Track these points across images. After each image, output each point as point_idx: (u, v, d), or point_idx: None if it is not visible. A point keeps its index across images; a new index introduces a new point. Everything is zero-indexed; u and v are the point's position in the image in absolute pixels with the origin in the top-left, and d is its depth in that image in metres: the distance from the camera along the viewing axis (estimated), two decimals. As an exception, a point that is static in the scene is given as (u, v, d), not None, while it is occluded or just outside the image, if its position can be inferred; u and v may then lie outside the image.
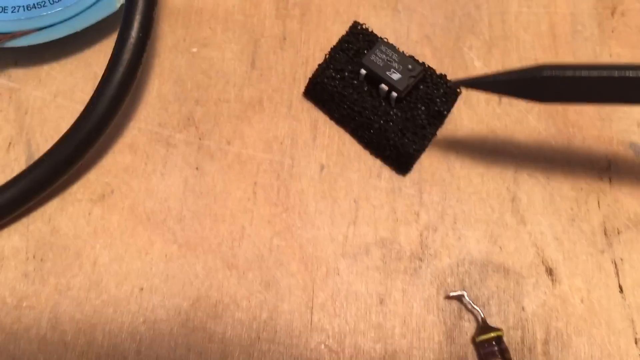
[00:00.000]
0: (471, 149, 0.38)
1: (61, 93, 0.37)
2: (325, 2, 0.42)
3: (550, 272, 0.35)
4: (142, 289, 0.33)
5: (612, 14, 0.43)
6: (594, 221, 0.37)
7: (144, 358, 0.32)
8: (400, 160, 0.36)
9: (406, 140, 0.35)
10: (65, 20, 0.37)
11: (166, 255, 0.34)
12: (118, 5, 0.37)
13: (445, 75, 0.37)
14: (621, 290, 0.35)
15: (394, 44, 0.37)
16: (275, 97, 0.38)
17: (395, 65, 0.35)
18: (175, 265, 0.34)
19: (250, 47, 0.40)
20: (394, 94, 0.35)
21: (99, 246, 0.34)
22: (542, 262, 0.35)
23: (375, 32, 0.40)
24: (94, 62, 0.38)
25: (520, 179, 0.37)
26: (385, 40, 0.37)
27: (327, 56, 0.37)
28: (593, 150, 0.39)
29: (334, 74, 0.36)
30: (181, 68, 0.39)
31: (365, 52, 0.37)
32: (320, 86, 0.36)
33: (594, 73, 0.31)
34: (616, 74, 0.31)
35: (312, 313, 0.33)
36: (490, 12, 0.42)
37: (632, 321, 0.34)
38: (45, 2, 0.37)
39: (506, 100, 0.39)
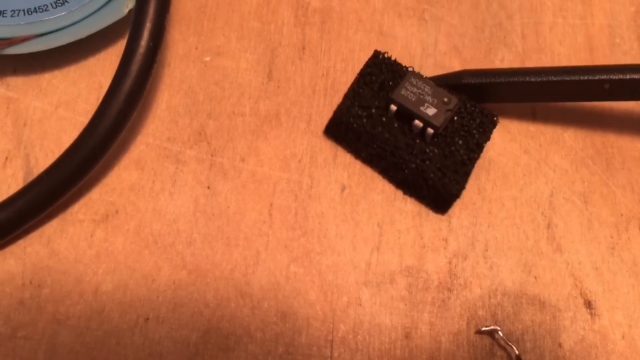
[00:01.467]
0: (503, 169, 0.35)
1: (63, 104, 0.34)
2: (348, 9, 0.39)
3: (589, 305, 0.33)
4: (147, 319, 0.30)
5: (652, 26, 0.40)
6: (636, 250, 0.34)
7: (149, 396, 0.29)
8: (440, 200, 0.33)
9: (447, 180, 0.32)
10: (69, 26, 0.34)
11: (174, 282, 0.31)
12: (126, 10, 0.34)
13: (478, 104, 0.34)
14: (666, 327, 0.32)
15: (421, 73, 0.34)
16: (294, 111, 0.36)
17: (429, 98, 0.32)
18: (184, 293, 0.31)
19: (266, 56, 0.37)
20: (430, 130, 0.32)
21: (102, 271, 0.31)
22: (581, 294, 0.33)
23: (400, 43, 0.38)
24: (98, 71, 0.35)
25: (556, 203, 0.35)
26: (412, 69, 0.34)
27: (349, 91, 0.34)
28: (633, 172, 0.36)
29: (360, 112, 0.33)
30: (193, 78, 0.36)
31: (390, 83, 0.34)
32: (345, 126, 0.33)
33: (509, 79, 0.34)
34: (528, 79, 0.34)
35: (332, 347, 0.31)
36: (523, 23, 0.40)
37: (679, 361, 0.32)
38: (47, 6, 0.34)
39: (541, 117, 0.37)
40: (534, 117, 0.37)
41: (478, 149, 0.33)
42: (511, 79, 0.34)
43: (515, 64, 0.38)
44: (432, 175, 0.32)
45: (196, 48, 0.37)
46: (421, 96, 0.32)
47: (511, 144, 0.36)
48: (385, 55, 0.35)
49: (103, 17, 0.35)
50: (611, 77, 0.32)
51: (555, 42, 0.39)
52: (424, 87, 0.32)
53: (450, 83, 0.34)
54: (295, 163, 0.35)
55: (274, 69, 0.37)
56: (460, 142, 0.33)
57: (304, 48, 0.38)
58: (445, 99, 0.32)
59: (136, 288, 0.31)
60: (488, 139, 0.33)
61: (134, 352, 0.30)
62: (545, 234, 0.34)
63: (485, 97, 0.34)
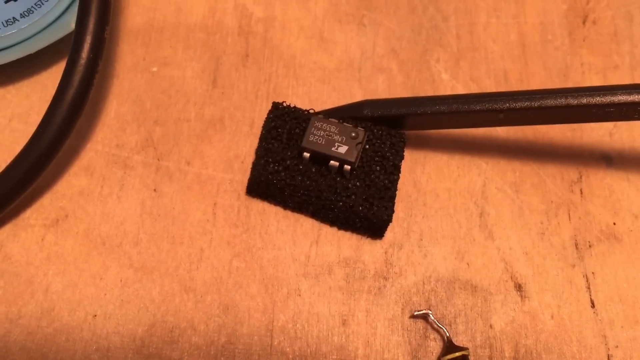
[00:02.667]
0: (438, 163, 0.37)
1: (16, 116, 0.36)
2: (289, 18, 0.41)
3: (519, 288, 0.34)
4: (95, 315, 0.32)
5: (584, 22, 0.42)
6: (565, 235, 0.36)
7: (96, 387, 0.31)
8: (375, 228, 0.34)
9: (375, 209, 0.34)
10: (20, 42, 0.36)
11: (121, 280, 0.33)
12: (74, 26, 0.36)
13: (385, 128, 0.36)
14: (593, 305, 0.34)
15: (328, 117, 0.35)
16: (237, 115, 0.38)
17: (338, 137, 0.33)
18: (130, 291, 0.33)
19: (211, 65, 0.39)
20: (347, 166, 0.33)
21: (52, 272, 0.33)
22: (511, 277, 0.34)
23: (340, 48, 0.40)
24: (50, 84, 0.37)
25: (488, 193, 0.36)
26: (313, 111, 0.35)
27: (259, 149, 0.35)
28: (564, 162, 0.38)
29: (276, 167, 0.34)
30: (140, 88, 0.38)
31: (297, 130, 0.35)
32: (265, 183, 0.34)
33: (405, 110, 0.35)
34: (419, 110, 0.35)
35: (272, 336, 0.32)
36: (458, 24, 0.41)
37: (605, 337, 0.33)
38: (-2, 25, 0.36)
39: (474, 112, 0.38)
40: (468, 112, 0.39)
41: (396, 170, 0.34)
42: (407, 111, 0.35)
43: (450, 63, 0.40)
44: (360, 208, 0.33)
45: (144, 59, 0.39)
46: (329, 137, 0.33)
47: (445, 138, 0.38)
48: (284, 104, 0.36)
49: (52, 33, 0.37)
50: (505, 106, 0.33)
51: (489, 41, 0.41)
52: (330, 127, 0.34)
53: (352, 115, 0.35)
54: (239, 164, 0.36)
55: (219, 76, 0.39)
56: (378, 168, 0.34)
57: (247, 56, 0.39)
58: (353, 134, 0.34)
59: (85, 287, 0.33)
60: (402, 157, 0.35)
61: (82, 347, 0.32)
62: (477, 222, 0.36)
63: (389, 125, 0.35)
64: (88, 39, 0.33)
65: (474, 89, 0.39)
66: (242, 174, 0.36)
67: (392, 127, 0.35)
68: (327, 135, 0.33)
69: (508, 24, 0.42)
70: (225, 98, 0.38)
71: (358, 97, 0.39)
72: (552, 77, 0.40)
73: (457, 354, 0.32)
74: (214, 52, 0.39)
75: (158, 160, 0.36)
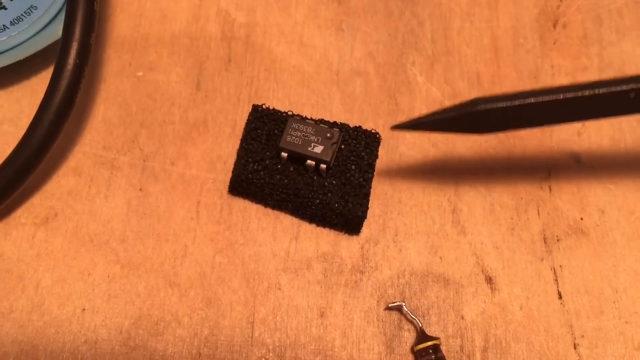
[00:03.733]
0: (413, 162, 0.39)
1: (7, 120, 0.38)
2: (271, 23, 0.42)
3: (489, 280, 0.36)
4: (84, 309, 0.34)
5: (554, 26, 0.44)
6: (534, 229, 0.37)
7: (85, 377, 0.32)
8: (351, 224, 0.36)
9: (350, 206, 0.35)
10: (10, 49, 0.38)
11: (108, 275, 0.35)
12: (61, 33, 0.37)
13: (359, 127, 0.37)
14: (560, 297, 0.36)
15: (305, 118, 0.36)
16: (220, 117, 0.39)
17: (314, 137, 0.35)
18: (117, 286, 0.34)
19: (195, 69, 0.41)
20: (323, 165, 0.35)
21: (42, 269, 0.34)
22: (482, 271, 0.36)
23: (319, 52, 0.41)
24: (40, 89, 0.39)
25: (461, 190, 0.38)
26: (291, 113, 0.37)
27: (240, 150, 0.37)
28: (533, 160, 0.39)
29: (255, 166, 0.36)
30: (127, 92, 0.39)
31: (276, 131, 0.36)
32: (245, 182, 0.36)
33: (526, 100, 0.32)
34: (546, 98, 0.32)
35: (253, 328, 0.34)
36: (433, 29, 0.43)
37: (571, 326, 0.35)
38: (-11, 33, 0.38)
39: (448, 113, 0.40)
40: (442, 113, 0.40)
41: (370, 168, 0.36)
42: (534, 100, 0.33)
43: (425, 66, 0.42)
44: (336, 205, 0.35)
45: (130, 64, 0.40)
46: (306, 137, 0.35)
47: (420, 138, 0.39)
48: (264, 107, 0.37)
49: (41, 40, 0.38)
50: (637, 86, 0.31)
51: (462, 45, 0.43)
52: (306, 128, 0.35)
53: (463, 113, 0.33)
54: (221, 164, 0.38)
55: (202, 80, 0.40)
56: (353, 167, 0.36)
57: (230, 60, 0.41)
58: (328, 134, 0.35)
59: (73, 282, 0.34)
60: (377, 157, 0.36)
61: (71, 339, 0.33)
62: (450, 219, 0.37)
63: (501, 124, 0.34)
64: (74, 46, 0.35)
65: (447, 91, 0.41)
66: (225, 174, 0.38)
67: (504, 127, 0.34)
68: (303, 135, 0.35)
69: (481, 29, 0.43)
70: (209, 101, 0.40)
71: (336, 99, 0.40)
72: (523, 79, 0.42)
73: (429, 343, 0.33)
74: (197, 57, 0.41)
75: (144, 161, 0.37)
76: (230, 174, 0.37)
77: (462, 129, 0.34)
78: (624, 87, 0.31)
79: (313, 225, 0.37)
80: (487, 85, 0.41)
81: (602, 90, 0.31)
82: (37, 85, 0.39)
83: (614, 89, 0.31)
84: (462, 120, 0.33)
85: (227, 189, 0.37)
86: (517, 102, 0.32)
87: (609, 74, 0.42)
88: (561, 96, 0.32)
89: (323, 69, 0.41)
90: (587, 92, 0.32)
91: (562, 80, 0.42)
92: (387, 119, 0.40)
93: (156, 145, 0.38)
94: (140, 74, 0.40)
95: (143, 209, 0.36)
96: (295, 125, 0.35)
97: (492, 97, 0.33)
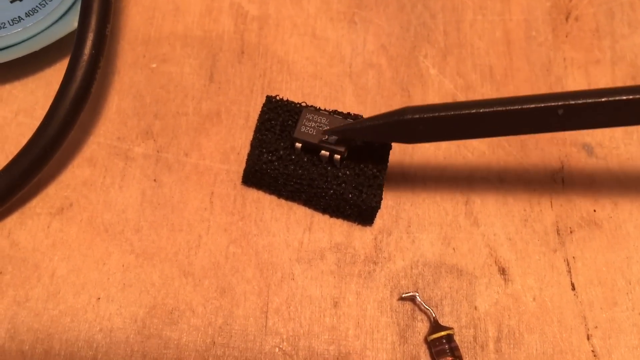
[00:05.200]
0: (426, 154, 0.39)
1: (22, 111, 0.38)
2: (283, 16, 0.43)
3: (503, 271, 0.36)
4: (99, 298, 0.34)
5: (567, 19, 0.44)
6: (547, 221, 0.37)
7: (100, 365, 0.33)
8: (364, 215, 0.36)
9: (364, 196, 0.35)
10: (25, 40, 0.38)
11: (123, 265, 0.35)
12: (76, 24, 0.38)
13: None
14: (573, 288, 0.36)
15: (319, 108, 0.36)
16: (233, 109, 0.39)
17: (328, 128, 0.35)
18: (132, 275, 0.35)
19: (208, 61, 0.41)
20: (337, 156, 0.35)
21: (57, 258, 0.35)
22: (495, 262, 0.36)
23: (332, 44, 0.41)
24: (54, 80, 0.39)
25: (474, 182, 0.38)
26: (305, 104, 0.37)
27: (254, 140, 0.37)
28: (546, 152, 0.39)
29: (269, 157, 0.36)
30: (140, 83, 0.40)
31: (290, 122, 0.36)
32: (259, 173, 0.36)
33: (454, 112, 0.32)
34: (474, 111, 0.32)
35: (266, 317, 0.34)
36: (445, 21, 0.43)
37: (584, 317, 0.35)
38: (4, 24, 0.38)
39: (461, 105, 0.40)
40: (454, 105, 0.40)
41: (384, 159, 0.36)
42: (457, 112, 0.32)
43: (438, 59, 0.42)
44: (350, 195, 0.35)
45: (144, 56, 0.41)
46: (320, 128, 0.35)
47: (433, 130, 0.39)
48: (278, 98, 0.37)
49: (56, 31, 0.38)
50: (564, 102, 0.31)
51: (475, 38, 0.43)
52: (320, 119, 0.35)
53: (391, 121, 0.33)
54: (235, 155, 0.38)
55: (215, 72, 0.40)
56: (367, 158, 0.36)
57: (242, 52, 0.41)
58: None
59: (88, 272, 0.35)
60: (390, 147, 0.36)
61: (86, 328, 0.33)
62: (463, 210, 0.37)
63: (429, 135, 0.34)
64: (90, 37, 0.35)
65: (460, 83, 0.41)
66: (238, 165, 0.38)
67: (434, 138, 0.34)
68: (317, 126, 0.35)
69: (494, 21, 0.43)
70: (222, 93, 0.40)
71: (349, 91, 0.40)
72: (536, 72, 0.42)
73: (443, 333, 0.33)
74: (210, 49, 0.41)
75: (158, 152, 0.38)
76: (243, 165, 0.38)
77: (391, 138, 0.34)
78: (551, 104, 0.31)
79: (326, 216, 0.37)
80: (500, 78, 0.41)
81: (528, 106, 0.31)
82: (51, 77, 0.39)
83: (541, 104, 0.31)
84: (390, 129, 0.33)
85: (240, 180, 0.37)
86: (443, 114, 0.32)
87: (621, 67, 0.42)
88: (487, 109, 0.32)
89: (336, 62, 0.41)
90: (515, 107, 0.31)
91: (575, 72, 0.42)
92: (400, 111, 0.40)
93: (170, 137, 0.38)
94: (154, 65, 0.40)
95: (157, 199, 0.36)
96: (309, 116, 0.35)
97: (421, 107, 0.33)
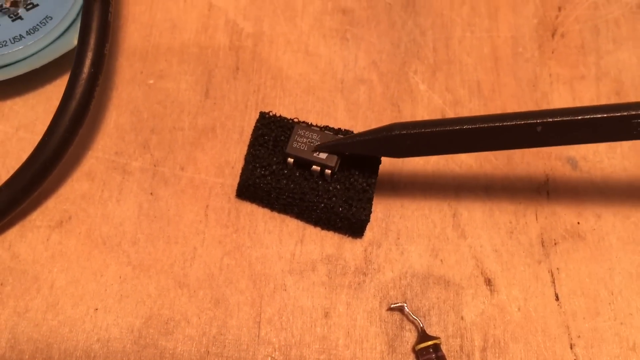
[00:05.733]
0: (414, 168, 0.40)
1: (23, 126, 0.39)
2: (277, 33, 0.44)
3: (488, 282, 0.37)
4: (96, 309, 0.35)
5: (553, 35, 0.45)
6: (532, 233, 0.38)
7: (98, 374, 0.34)
8: (354, 227, 0.37)
9: (354, 210, 0.36)
10: (26, 58, 0.39)
11: (120, 276, 0.36)
12: (75, 42, 0.39)
13: None
14: (557, 298, 0.37)
15: (311, 124, 0.38)
16: (228, 124, 0.41)
17: (319, 144, 0.36)
18: (128, 286, 0.36)
19: (204, 77, 0.42)
20: (328, 170, 0.36)
21: (56, 270, 0.36)
22: (481, 273, 0.37)
23: (324, 60, 0.42)
24: (54, 96, 0.40)
25: (461, 194, 0.39)
26: (297, 120, 0.38)
27: (248, 155, 0.38)
28: (531, 165, 0.41)
29: (262, 172, 0.37)
30: (138, 99, 0.41)
31: (282, 138, 0.38)
32: (253, 187, 0.37)
33: (439, 128, 0.33)
34: (457, 127, 0.33)
35: (259, 327, 0.35)
36: (435, 38, 0.44)
37: (568, 327, 0.36)
38: (6, 42, 0.39)
39: (449, 120, 0.41)
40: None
41: (373, 173, 0.37)
42: (442, 128, 0.34)
43: (427, 74, 0.43)
44: (340, 209, 0.36)
45: (141, 72, 0.42)
46: (311, 143, 0.36)
47: (422, 145, 0.41)
48: (271, 114, 0.39)
49: (56, 49, 0.40)
50: (543, 119, 0.32)
51: (463, 54, 0.44)
52: (312, 135, 0.36)
53: (380, 137, 0.35)
54: (229, 169, 0.39)
55: (211, 88, 0.42)
56: (357, 172, 0.37)
57: (237, 68, 0.42)
58: None
59: (87, 283, 0.36)
60: (379, 162, 0.37)
61: (84, 338, 0.35)
62: (451, 222, 0.39)
63: (416, 149, 0.36)
64: (89, 55, 0.36)
65: (449, 98, 0.42)
66: (233, 179, 0.39)
67: (421, 153, 0.36)
68: (309, 142, 0.36)
69: (482, 38, 0.45)
70: (217, 108, 0.41)
71: (341, 107, 0.42)
72: (522, 88, 0.43)
73: (430, 343, 0.34)
74: (206, 66, 0.42)
75: (154, 166, 0.39)
76: (238, 179, 0.39)
77: (380, 152, 0.36)
78: (530, 121, 0.33)
79: (318, 229, 0.38)
80: (488, 93, 0.43)
81: (509, 123, 0.33)
82: (51, 93, 0.41)
83: (520, 121, 0.33)
84: (378, 144, 0.35)
85: (234, 193, 0.38)
86: (429, 130, 0.34)
87: (605, 82, 0.44)
88: (470, 126, 0.33)
89: (328, 77, 0.43)
90: (496, 124, 0.33)
91: (560, 88, 0.43)
92: (390, 125, 0.41)
93: (166, 151, 0.39)
94: (151, 82, 0.42)
95: (154, 212, 0.38)
96: (301, 132, 0.37)
97: (408, 124, 0.34)
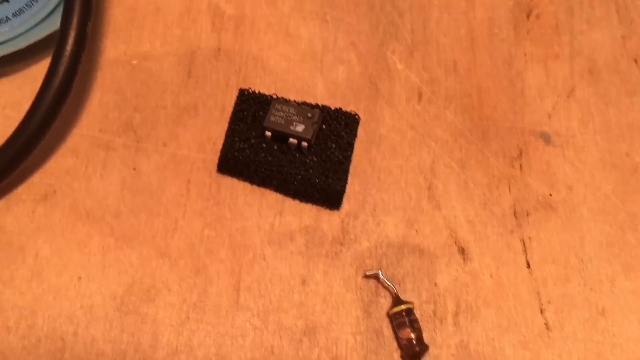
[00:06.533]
0: (392, 143, 0.41)
1: (9, 105, 0.40)
2: (259, 15, 0.45)
3: (462, 251, 0.38)
4: (80, 277, 0.36)
5: (528, 16, 0.46)
6: (505, 205, 0.40)
7: (81, 339, 0.35)
8: (331, 199, 0.38)
9: (330, 181, 0.38)
10: (12, 39, 0.40)
11: (103, 247, 0.37)
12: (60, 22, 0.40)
13: (340, 108, 0.40)
14: (528, 266, 0.38)
15: (288, 100, 0.39)
16: (209, 102, 0.42)
17: (296, 117, 0.37)
18: (111, 256, 0.37)
19: (187, 58, 0.43)
20: (305, 143, 0.37)
21: (41, 241, 0.37)
22: (455, 242, 0.38)
23: (304, 41, 0.44)
24: (39, 76, 0.41)
25: (437, 168, 0.40)
26: (276, 96, 0.39)
27: (228, 130, 0.39)
28: (505, 140, 0.42)
29: (242, 145, 0.38)
30: (122, 79, 0.42)
31: (261, 113, 0.39)
32: (232, 160, 0.38)
33: None
34: None
35: (238, 295, 0.36)
36: (412, 20, 0.46)
37: (538, 293, 0.37)
38: (-7, 24, 0.40)
39: (426, 97, 0.43)
40: (420, 98, 0.43)
41: (350, 146, 0.39)
42: None
43: (405, 54, 0.44)
44: (317, 180, 0.38)
45: (125, 54, 0.43)
46: (288, 117, 0.38)
47: (399, 121, 0.42)
48: (250, 90, 0.40)
49: (41, 30, 0.41)
50: None
51: (440, 35, 0.45)
52: (289, 109, 0.38)
53: None
54: (211, 145, 0.40)
55: (193, 68, 0.43)
56: (333, 145, 0.38)
57: (219, 50, 0.44)
58: (309, 114, 0.38)
59: (70, 253, 0.37)
60: (355, 136, 0.39)
61: (68, 305, 0.36)
62: (426, 195, 0.40)
63: None
64: (72, 34, 0.37)
65: (425, 77, 0.44)
66: (214, 154, 0.40)
67: None
68: (286, 115, 0.37)
69: (458, 19, 0.46)
70: (199, 87, 0.42)
71: (320, 85, 0.43)
72: (497, 66, 0.44)
73: (403, 307, 0.35)
74: (189, 47, 0.44)
75: (137, 142, 0.40)
76: (219, 154, 0.40)
77: None
78: None
79: (296, 202, 0.39)
80: (463, 72, 0.44)
81: None
82: (37, 74, 0.42)
83: None
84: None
85: (215, 168, 0.40)
86: None
87: (579, 61, 0.45)
88: None
89: (308, 58, 0.44)
90: None
91: (535, 67, 0.44)
92: (368, 103, 0.43)
93: (149, 128, 0.41)
94: (134, 62, 0.43)
95: (136, 186, 0.39)
96: (278, 106, 0.38)
97: None
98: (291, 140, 0.37)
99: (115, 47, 0.43)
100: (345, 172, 0.37)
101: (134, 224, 0.38)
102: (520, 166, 0.41)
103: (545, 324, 0.36)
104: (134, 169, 0.39)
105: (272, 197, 0.39)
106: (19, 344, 0.35)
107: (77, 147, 0.40)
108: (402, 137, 0.41)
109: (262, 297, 0.36)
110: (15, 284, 0.36)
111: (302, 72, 0.43)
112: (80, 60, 0.37)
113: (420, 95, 0.43)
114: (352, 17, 0.45)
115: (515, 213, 0.39)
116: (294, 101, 0.39)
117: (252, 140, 0.38)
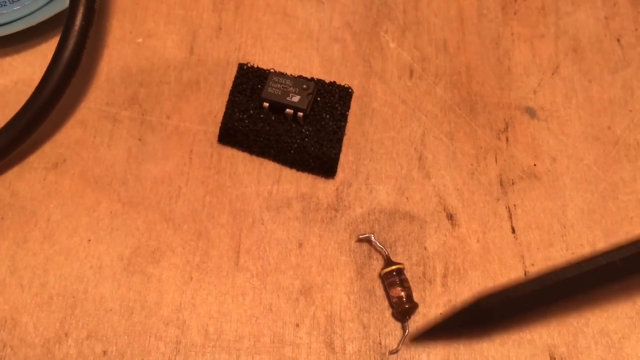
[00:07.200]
0: (384, 116, 0.43)
1: (21, 80, 0.43)
2: (257, -3, 0.47)
3: (450, 217, 0.40)
4: (89, 240, 0.38)
5: (516, -1, 0.48)
6: (491, 174, 0.42)
7: (90, 296, 0.37)
8: (326, 166, 0.40)
9: (325, 149, 0.40)
10: (23, 17, 0.43)
11: (111, 212, 0.39)
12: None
13: (334, 82, 0.42)
14: (513, 231, 0.40)
15: (285, 73, 0.41)
16: (211, 78, 0.44)
17: (292, 89, 0.40)
18: (119, 220, 0.39)
19: (189, 37, 0.45)
20: (300, 113, 0.40)
21: (52, 206, 0.39)
22: (444, 209, 0.41)
23: (301, 21, 0.46)
24: (50, 53, 0.43)
25: (427, 140, 0.43)
26: (273, 70, 0.41)
27: (228, 102, 0.41)
28: (492, 114, 0.44)
29: (241, 116, 0.40)
30: (127, 56, 0.44)
31: (259, 86, 0.41)
32: (232, 130, 0.41)
33: (527, 289, 0.33)
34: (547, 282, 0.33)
35: (238, 257, 0.39)
36: (405, 1, 0.48)
37: (522, 257, 0.39)
38: (5, 2, 0.42)
39: (417, 74, 0.45)
40: (411, 75, 0.45)
41: (343, 117, 0.41)
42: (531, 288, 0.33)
43: (397, 34, 0.46)
44: (312, 148, 0.40)
45: (130, 32, 0.45)
46: (285, 89, 0.40)
47: (391, 96, 0.44)
48: (249, 65, 0.42)
49: (51, 8, 0.43)
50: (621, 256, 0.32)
51: (431, 15, 0.47)
52: (285, 81, 0.40)
53: (469, 314, 0.34)
54: (212, 118, 0.43)
55: (195, 46, 0.45)
56: (328, 116, 0.41)
57: (220, 29, 0.46)
58: (305, 86, 0.40)
59: (80, 217, 0.39)
60: (349, 107, 0.41)
61: (78, 265, 0.38)
62: (417, 165, 0.42)
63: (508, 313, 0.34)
64: (81, 10, 0.39)
65: (417, 55, 0.46)
66: (215, 127, 0.42)
67: (513, 316, 0.35)
68: (283, 87, 0.40)
69: (449, 1, 0.48)
70: (201, 64, 0.44)
71: (316, 63, 0.45)
72: (486, 45, 0.46)
73: (394, 267, 0.38)
74: (191, 26, 0.46)
75: (142, 115, 0.42)
76: (219, 126, 0.42)
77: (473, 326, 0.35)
78: (610, 260, 0.32)
79: (293, 170, 0.41)
80: (453, 50, 0.46)
81: (585, 268, 0.33)
82: (47, 50, 0.44)
83: (602, 262, 0.32)
84: (470, 319, 0.33)
85: (216, 139, 0.42)
86: (518, 293, 0.33)
87: (564, 40, 0.47)
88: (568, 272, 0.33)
89: (304, 37, 0.46)
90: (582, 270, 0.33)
91: (521, 46, 0.46)
92: (362, 79, 0.45)
93: (154, 102, 0.43)
94: (139, 40, 0.45)
95: (142, 155, 0.41)
96: (275, 79, 0.40)
97: (494, 292, 0.33)
98: (287, 110, 0.39)
99: (122, 26, 0.45)
100: (339, 140, 0.40)
101: (140, 190, 0.40)
102: (507, 138, 0.43)
103: (528, 284, 0.39)
104: (140, 139, 0.41)
105: (270, 166, 0.41)
106: (32, 301, 0.37)
107: (85, 119, 0.42)
108: (394, 111, 0.44)
109: (261, 259, 0.39)
110: (28, 246, 0.38)
111: (299, 51, 0.45)
112: (89, 35, 0.39)
113: (411, 72, 0.45)
114: (347, -2, 0.47)
115: (501, 182, 0.41)
116: (291, 75, 0.41)
117: (251, 111, 0.40)
